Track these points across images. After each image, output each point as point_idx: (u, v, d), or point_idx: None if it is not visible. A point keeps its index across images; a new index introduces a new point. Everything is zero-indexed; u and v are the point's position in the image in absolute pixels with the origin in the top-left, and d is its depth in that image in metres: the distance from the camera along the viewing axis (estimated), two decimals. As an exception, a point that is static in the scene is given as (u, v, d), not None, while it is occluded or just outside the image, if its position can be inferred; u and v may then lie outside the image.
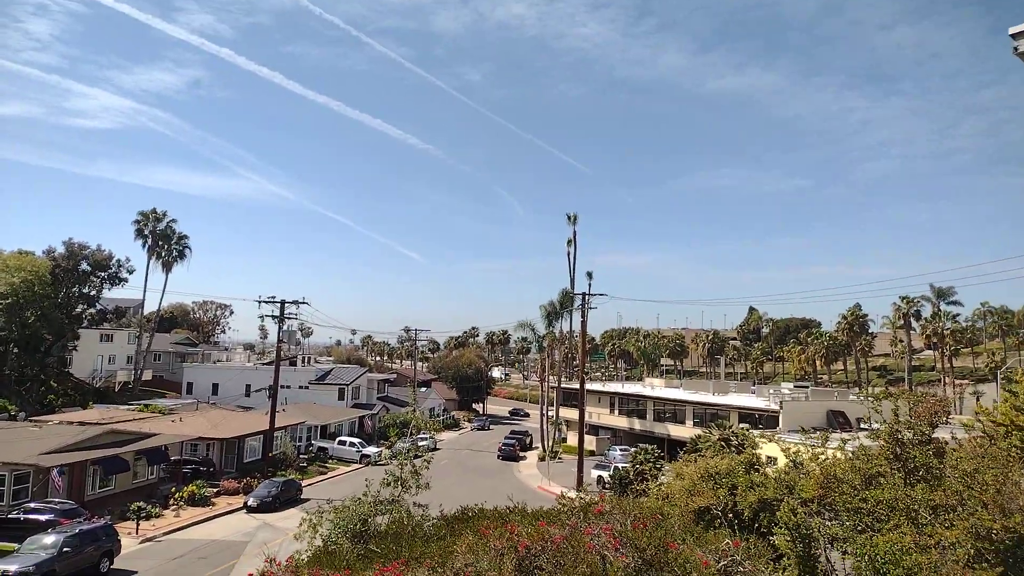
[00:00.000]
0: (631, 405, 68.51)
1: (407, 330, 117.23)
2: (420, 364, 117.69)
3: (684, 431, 57.17)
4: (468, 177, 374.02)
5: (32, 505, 32.02)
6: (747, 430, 46.24)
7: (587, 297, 56.84)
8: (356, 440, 62.75)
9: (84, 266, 70.81)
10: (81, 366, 75.95)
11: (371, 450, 59.78)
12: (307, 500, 41.87)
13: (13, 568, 24.27)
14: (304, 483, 47.49)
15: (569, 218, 73.01)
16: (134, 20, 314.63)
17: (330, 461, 58.66)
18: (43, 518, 30.30)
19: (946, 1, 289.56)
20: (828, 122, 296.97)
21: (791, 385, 68.44)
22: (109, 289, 74.26)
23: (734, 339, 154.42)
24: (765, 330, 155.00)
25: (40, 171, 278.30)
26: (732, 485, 19.06)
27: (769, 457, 31.58)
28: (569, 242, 72.97)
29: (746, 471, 20.31)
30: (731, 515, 18.05)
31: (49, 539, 26.14)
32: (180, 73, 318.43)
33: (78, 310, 71.47)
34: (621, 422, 68.93)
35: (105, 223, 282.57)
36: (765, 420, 52.02)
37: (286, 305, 52.58)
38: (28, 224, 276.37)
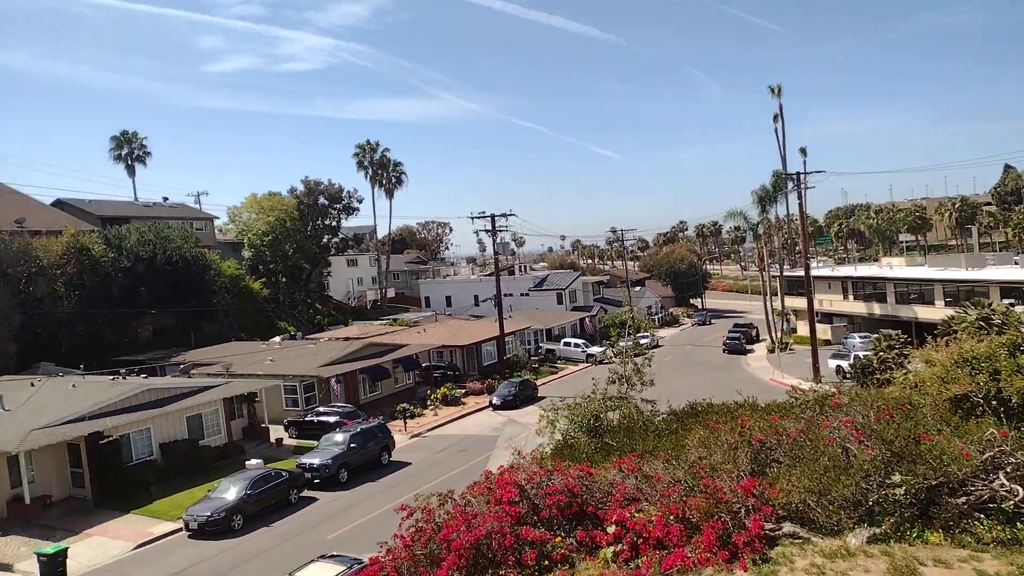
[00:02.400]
0: (868, 289, 63.42)
1: (613, 231, 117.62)
2: (631, 263, 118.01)
3: (934, 312, 52.06)
4: (654, 61, 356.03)
5: (321, 409, 38.12)
6: (1011, 306, 40.98)
7: (802, 176, 52.72)
8: (580, 341, 65.42)
9: (322, 200, 79.38)
10: (336, 289, 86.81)
11: (595, 349, 62.09)
12: (543, 398, 45.04)
13: (316, 461, 29.38)
14: (538, 382, 50.95)
15: (772, 90, 66.86)
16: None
17: (558, 361, 62.03)
18: (331, 420, 36.03)
19: None
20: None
21: (1068, 252, 58.79)
22: (346, 218, 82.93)
23: (988, 204, 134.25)
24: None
25: (271, 118, 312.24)
26: (995, 369, 17.37)
27: (1041, 337, 27.97)
28: (775, 117, 67.18)
29: (1011, 353, 18.34)
30: (995, 403, 16.58)
31: (339, 437, 31.09)
32: (365, 2, 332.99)
33: (324, 240, 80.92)
34: (858, 307, 64.26)
35: (329, 158, 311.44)
36: (1034, 295, 45.65)
37: (496, 219, 55.12)
38: (270, 167, 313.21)
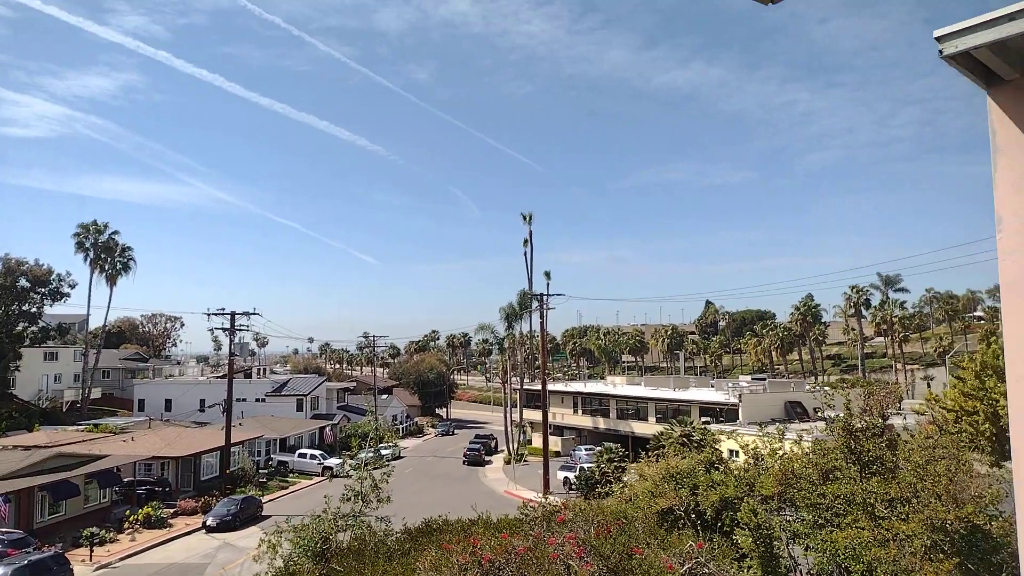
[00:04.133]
0: (594, 404, 68.84)
1: (366, 336, 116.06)
2: (380, 370, 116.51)
3: (647, 428, 57.65)
4: (420, 177, 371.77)
5: (-26, 537, 30.59)
6: (707, 424, 46.88)
7: (545, 297, 57.07)
8: (317, 452, 61.67)
9: (23, 282, 68.43)
10: (25, 386, 73.03)
11: (333, 462, 58.85)
12: (268, 517, 40.93)
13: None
14: (265, 499, 46.46)
15: (524, 218, 72.91)
16: (64, 23, 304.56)
17: (291, 475, 57.54)
18: (-12, 550, 28.96)
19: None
20: (772, 114, 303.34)
21: (749, 377, 69.66)
22: (51, 305, 71.91)
23: (692, 333, 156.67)
24: (722, 323, 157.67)
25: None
26: (694, 485, 19.18)
27: (732, 451, 32.03)
28: (525, 242, 72.91)
29: (707, 470, 20.50)
30: (694, 515, 18.15)
31: (-6, 573, 24.98)
32: (115, 77, 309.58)
33: (19, 328, 68.93)
34: (585, 421, 69.20)
35: (44, 236, 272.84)
36: (726, 413, 52.78)
37: (237, 317, 51.39)
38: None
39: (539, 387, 60.67)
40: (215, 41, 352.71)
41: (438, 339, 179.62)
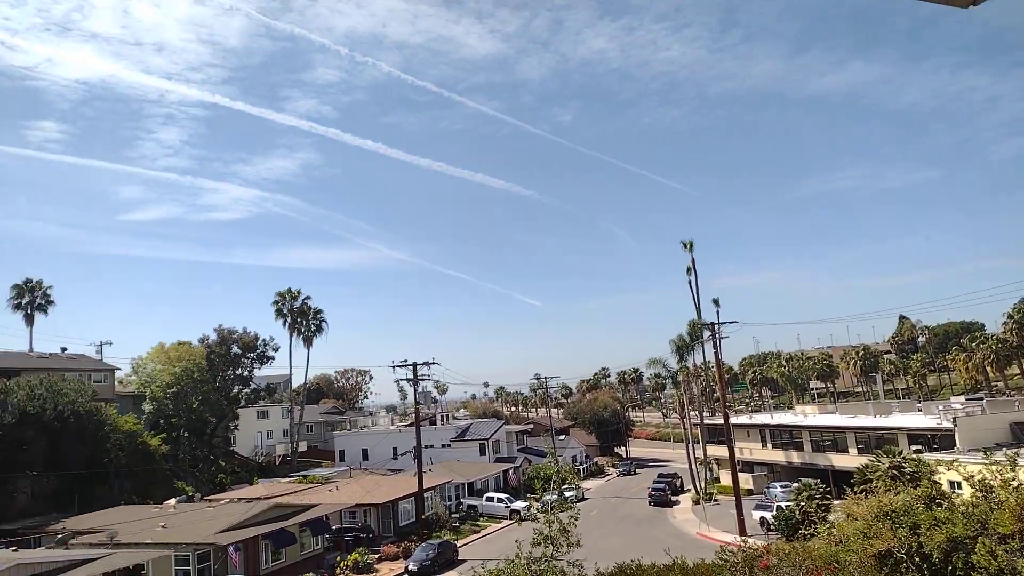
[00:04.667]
0: (785, 436, 64.57)
1: (537, 377, 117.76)
2: (555, 411, 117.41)
3: (848, 460, 53.08)
4: (574, 216, 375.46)
5: (214, 582, 34.25)
6: (919, 453, 42.22)
7: (717, 326, 54.79)
8: (503, 495, 62.88)
9: (235, 349, 76.56)
10: (243, 443, 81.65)
11: (519, 504, 59.68)
12: (464, 561, 42.13)
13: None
14: (459, 543, 47.94)
15: (685, 245, 70.69)
16: (249, 115, 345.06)
17: (481, 518, 59.04)
18: (224, 594, 32.27)
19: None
20: (948, 105, 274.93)
21: (962, 398, 62.17)
22: (259, 368, 79.82)
23: (888, 353, 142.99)
24: (922, 339, 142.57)
25: (188, 265, 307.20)
26: (914, 523, 17.29)
27: (953, 483, 28.56)
28: (688, 270, 70.56)
29: (927, 506, 18.41)
30: (918, 558, 16.33)
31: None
32: (294, 157, 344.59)
33: (234, 391, 77.13)
34: (777, 456, 64.99)
35: (248, 305, 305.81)
36: (939, 440, 47.38)
37: (418, 367, 54.19)
38: (183, 316, 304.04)
39: (721, 421, 58.02)
40: (376, 113, 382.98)
41: (609, 376, 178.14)
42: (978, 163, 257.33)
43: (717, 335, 53.75)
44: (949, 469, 21.15)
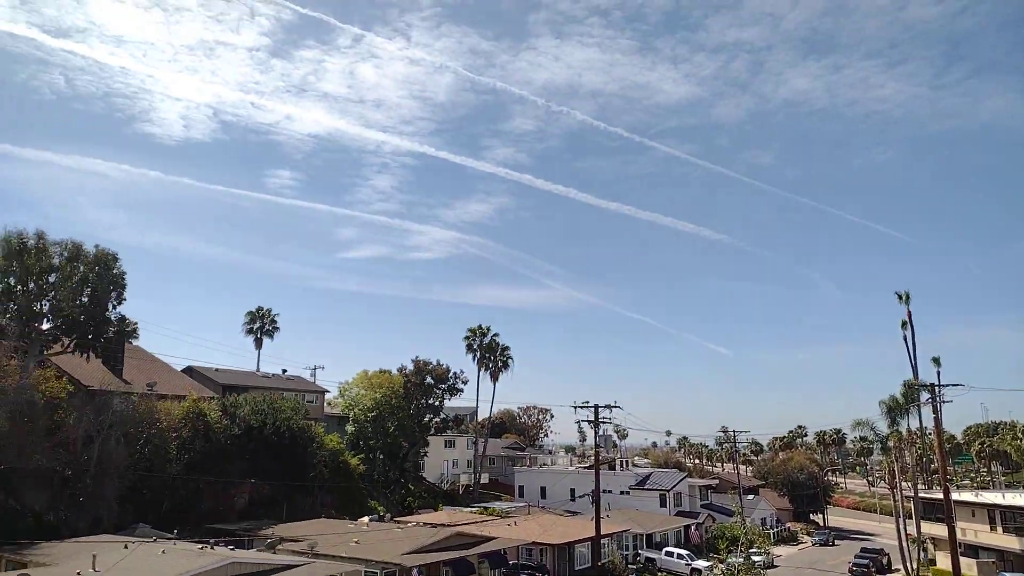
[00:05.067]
0: (1020, 520, 55.45)
1: (724, 431, 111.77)
2: (743, 467, 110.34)
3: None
4: (769, 262, 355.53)
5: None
6: None
7: (938, 389, 48.66)
8: (684, 551, 59.87)
9: (428, 379, 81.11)
10: (431, 470, 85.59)
11: (701, 563, 56.47)
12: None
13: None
14: (634, 596, 46.25)
15: (900, 297, 63.81)
16: (452, 163, 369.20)
17: (660, 573, 56.61)
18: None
19: None
20: None
21: None
22: (449, 399, 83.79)
23: None
24: None
25: (392, 300, 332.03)
26: None
27: None
28: (904, 324, 63.49)
29: None
30: None
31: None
32: (490, 201, 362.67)
33: (426, 419, 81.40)
34: (1009, 542, 55.88)
35: (442, 340, 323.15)
36: None
37: (599, 409, 53.63)
38: (385, 346, 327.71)
39: (939, 496, 51.08)
40: (568, 159, 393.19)
41: (805, 435, 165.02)
42: None
43: (938, 399, 47.78)
44: None
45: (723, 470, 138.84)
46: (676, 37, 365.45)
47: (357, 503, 62.79)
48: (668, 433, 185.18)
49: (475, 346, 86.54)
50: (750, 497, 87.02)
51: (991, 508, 58.72)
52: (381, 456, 72.17)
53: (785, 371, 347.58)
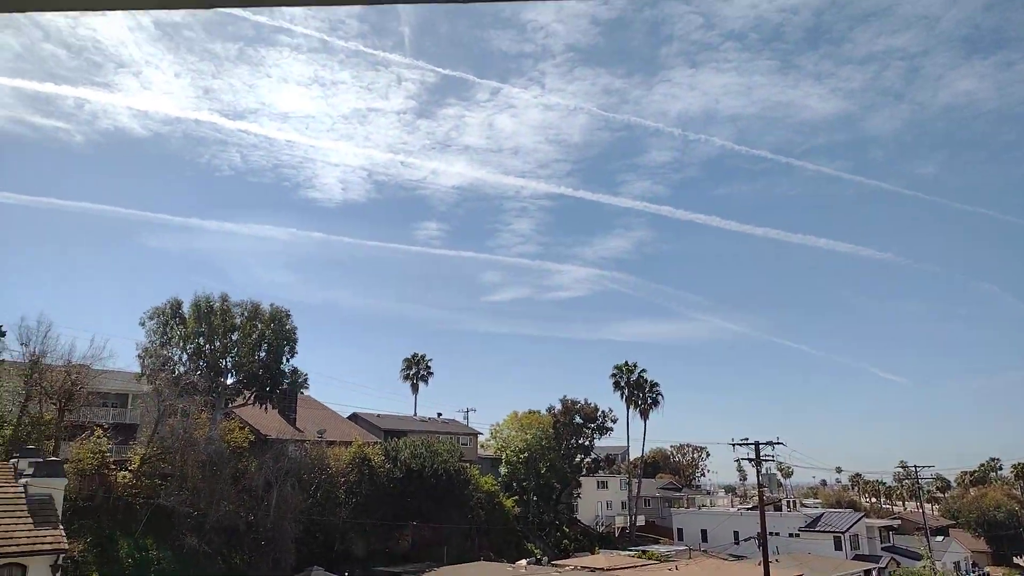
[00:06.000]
0: None
1: (903, 466, 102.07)
2: (928, 507, 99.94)
3: None
4: (940, 278, 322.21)
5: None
6: None
7: None
8: (865, 600, 54.90)
9: (577, 419, 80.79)
10: (584, 511, 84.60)
11: (886, 613, 51.52)
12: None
13: None
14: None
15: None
16: (588, 201, 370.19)
17: (838, 623, 52.23)
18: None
19: None
20: None
21: None
22: (599, 439, 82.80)
23: None
24: None
25: (535, 340, 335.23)
26: None
27: None
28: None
29: None
30: None
31: None
32: (629, 236, 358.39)
33: (577, 460, 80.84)
34: None
35: (587, 377, 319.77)
36: None
37: (760, 446, 50.88)
38: (533, 386, 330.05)
39: None
40: (708, 187, 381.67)
41: (1000, 468, 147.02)
42: None
43: None
44: None
45: (904, 509, 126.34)
46: (819, 52, 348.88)
47: (513, 545, 63.18)
48: (839, 470, 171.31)
49: (622, 383, 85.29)
50: (939, 539, 78.54)
51: None
52: (535, 498, 72.41)
53: (970, 398, 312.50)
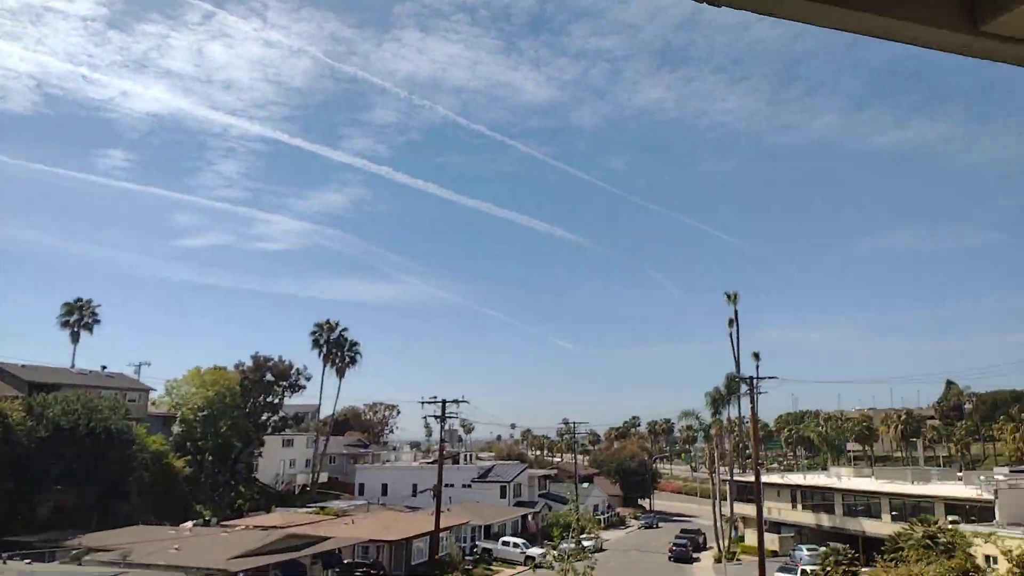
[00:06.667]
0: (816, 499, 62.37)
1: (565, 422, 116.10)
2: (581, 458, 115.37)
3: (881, 527, 50.84)
4: (618, 263, 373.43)
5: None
6: (956, 524, 40.26)
7: (755, 381, 53.56)
8: (520, 540, 61.63)
9: (268, 376, 77.59)
10: (266, 471, 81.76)
11: (535, 551, 58.32)
12: (473, 605, 41.17)
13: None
14: (470, 587, 46.93)
15: (728, 297, 69.69)
16: (306, 151, 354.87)
17: (495, 563, 57.81)
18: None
19: None
20: (1014, 167, 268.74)
21: (1007, 470, 59.32)
22: (290, 396, 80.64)
23: (931, 418, 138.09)
24: (968, 406, 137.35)
25: (234, 292, 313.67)
26: (943, 598, 16.38)
27: (989, 557, 27.05)
28: (730, 322, 69.39)
29: (958, 581, 17.44)
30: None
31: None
32: (346, 193, 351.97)
33: (263, 418, 77.73)
34: (806, 518, 62.69)
35: (287, 335, 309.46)
36: (978, 512, 45.18)
37: (446, 404, 53.92)
38: (225, 342, 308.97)
39: (751, 478, 56.23)
40: (429, 153, 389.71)
41: (639, 425, 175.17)
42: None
43: (755, 390, 52.51)
44: (986, 542, 20.12)
45: (563, 460, 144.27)
46: (540, 40, 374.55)
47: (180, 508, 58.79)
48: (513, 426, 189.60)
49: (321, 341, 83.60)
50: (585, 485, 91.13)
51: (793, 488, 65.61)
52: (210, 458, 68.00)
53: (628, 367, 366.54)
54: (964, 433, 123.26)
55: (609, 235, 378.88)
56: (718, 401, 69.30)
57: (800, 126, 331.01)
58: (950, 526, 38.47)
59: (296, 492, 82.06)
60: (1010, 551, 16.75)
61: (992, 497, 44.47)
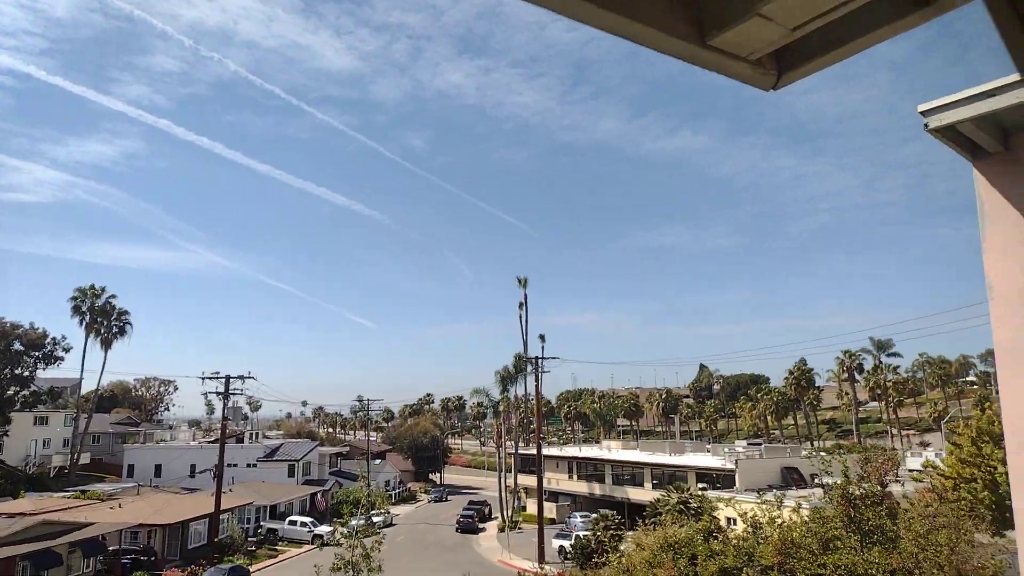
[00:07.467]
0: (590, 469, 67.86)
1: (360, 400, 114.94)
2: (374, 435, 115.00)
3: (643, 494, 56.73)
4: (415, 242, 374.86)
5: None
6: (705, 491, 46.22)
7: (540, 360, 57.05)
8: (308, 519, 60.33)
9: (17, 346, 68.09)
10: (13, 452, 71.71)
11: (324, 529, 57.45)
12: (256, 587, 39.80)
13: None
14: (253, 568, 45.22)
15: (520, 281, 72.92)
16: (67, 92, 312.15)
17: (280, 543, 56.11)
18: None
19: (860, 66, 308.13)
20: (761, 179, 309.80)
21: (744, 442, 68.96)
22: (44, 369, 71.37)
23: (687, 397, 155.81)
24: (717, 387, 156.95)
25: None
26: (692, 554, 18.92)
27: (729, 519, 31.54)
28: (520, 305, 72.74)
29: (705, 539, 20.21)
30: (693, 586, 17.85)
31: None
32: (116, 144, 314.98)
33: (10, 392, 68.17)
34: (581, 487, 68.05)
35: (45, 302, 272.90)
36: (722, 479, 52.09)
37: (231, 380, 51.08)
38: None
39: (534, 452, 59.92)
40: (216, 110, 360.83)
41: (433, 403, 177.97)
42: (781, 234, 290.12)
43: (539, 369, 55.88)
44: (728, 506, 23.35)
45: (356, 438, 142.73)
46: (341, 7, 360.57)
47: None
48: (304, 404, 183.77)
49: (84, 309, 74.62)
50: (377, 462, 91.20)
51: (570, 460, 70.86)
52: (-61, 437, 58.35)
53: (424, 345, 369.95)
54: (713, 411, 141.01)
55: (408, 213, 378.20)
56: (506, 379, 72.63)
57: (586, 126, 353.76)
58: (700, 492, 44.14)
59: (52, 475, 73.00)
60: (745, 513, 19.71)
61: (734, 467, 51.56)
